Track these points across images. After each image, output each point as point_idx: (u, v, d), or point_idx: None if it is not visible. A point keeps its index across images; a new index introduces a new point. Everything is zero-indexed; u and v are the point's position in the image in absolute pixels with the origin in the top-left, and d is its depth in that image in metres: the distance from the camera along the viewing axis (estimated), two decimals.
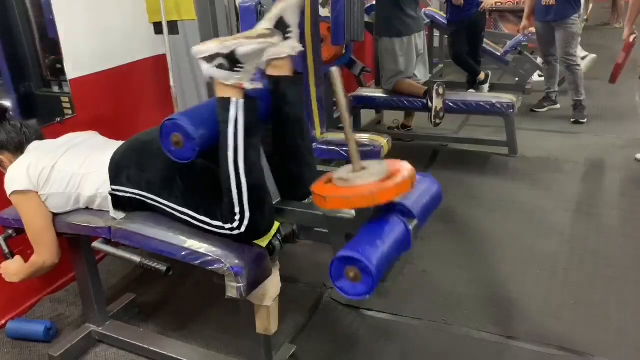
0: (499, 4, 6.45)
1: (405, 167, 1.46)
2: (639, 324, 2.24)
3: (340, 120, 1.60)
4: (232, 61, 1.52)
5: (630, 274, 2.55)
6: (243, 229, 1.61)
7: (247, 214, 1.59)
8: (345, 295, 1.38)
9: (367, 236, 1.45)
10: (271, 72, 1.78)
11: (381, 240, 1.43)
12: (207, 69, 1.55)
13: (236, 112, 1.56)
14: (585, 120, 4.71)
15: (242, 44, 1.50)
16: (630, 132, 4.35)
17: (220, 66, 1.53)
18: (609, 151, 4.07)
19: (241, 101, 1.56)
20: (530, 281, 2.55)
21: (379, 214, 1.53)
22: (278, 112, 1.79)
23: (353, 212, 1.60)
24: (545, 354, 2.11)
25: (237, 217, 1.60)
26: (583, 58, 5.14)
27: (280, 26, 1.73)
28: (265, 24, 1.71)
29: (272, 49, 1.66)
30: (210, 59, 1.53)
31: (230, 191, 1.58)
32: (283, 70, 1.78)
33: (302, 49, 1.82)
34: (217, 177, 1.65)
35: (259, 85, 1.60)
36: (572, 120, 4.76)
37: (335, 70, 1.41)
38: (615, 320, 2.27)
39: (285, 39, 1.73)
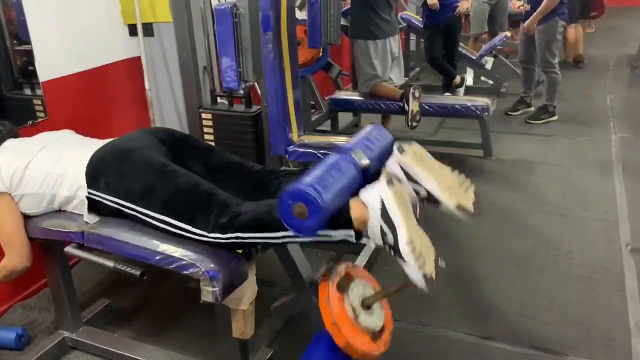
0: None
1: (389, 327, 1.64)
2: (611, 323, 2.28)
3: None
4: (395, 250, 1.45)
5: (602, 275, 2.60)
6: (230, 242, 1.61)
7: (244, 242, 1.61)
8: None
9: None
10: None
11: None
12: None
13: (337, 234, 1.53)
14: (539, 123, 4.81)
15: (409, 266, 1.41)
16: (602, 134, 4.44)
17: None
18: (582, 153, 4.15)
19: (354, 237, 1.53)
20: (506, 282, 2.58)
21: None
22: None
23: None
24: (521, 354, 2.14)
25: (232, 237, 1.60)
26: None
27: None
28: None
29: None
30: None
31: (256, 232, 1.58)
32: None
33: None
34: (199, 184, 1.66)
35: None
36: (526, 119, 4.87)
37: None
38: (588, 319, 2.30)
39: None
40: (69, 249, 1.87)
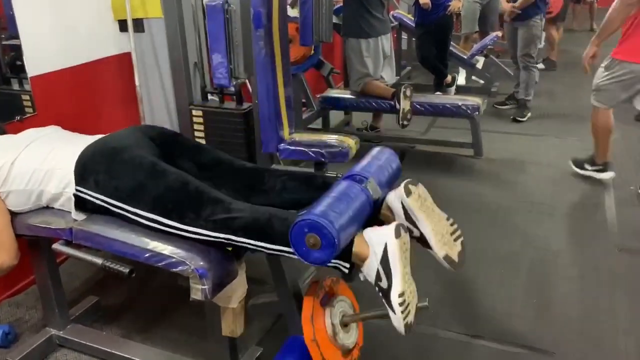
0: None
1: (359, 344, 1.71)
2: (599, 321, 2.30)
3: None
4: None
5: (591, 274, 2.62)
6: (220, 240, 1.61)
7: (236, 244, 1.60)
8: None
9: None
10: None
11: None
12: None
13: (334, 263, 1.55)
14: (524, 119, 4.91)
15: (394, 315, 1.47)
16: (590, 134, 4.47)
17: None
18: (570, 153, 4.16)
19: (346, 270, 1.57)
20: (495, 281, 2.59)
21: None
22: None
23: None
24: (509, 352, 2.15)
25: (224, 237, 1.60)
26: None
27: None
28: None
29: None
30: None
31: (252, 239, 1.58)
32: None
33: None
34: (189, 183, 1.66)
35: None
36: (511, 117, 4.92)
37: None
38: (576, 318, 2.32)
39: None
40: (56, 246, 1.85)
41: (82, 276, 2.67)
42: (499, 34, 5.50)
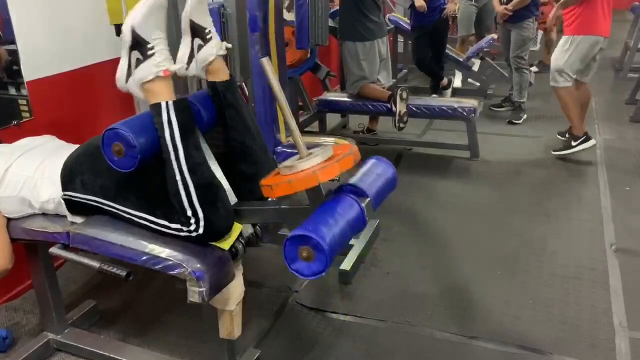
0: None
1: (349, 147, 1.56)
2: (596, 322, 2.30)
3: (299, 124, 1.64)
4: (141, 46, 1.56)
5: (587, 275, 2.63)
6: (201, 230, 1.61)
7: (200, 215, 1.60)
8: (301, 276, 1.42)
9: (318, 216, 1.48)
10: (210, 78, 1.80)
11: (333, 218, 1.47)
12: (134, 82, 1.60)
13: (168, 115, 1.58)
14: (520, 122, 4.95)
15: (133, 17, 1.54)
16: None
17: (137, 62, 1.56)
18: (566, 155, 4.19)
19: (171, 102, 1.58)
20: (492, 282, 2.60)
21: (332, 196, 1.58)
22: (222, 116, 1.81)
23: (307, 201, 1.62)
24: (506, 353, 2.15)
25: (192, 220, 1.60)
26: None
27: (197, 32, 1.74)
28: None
29: (201, 55, 1.73)
30: (129, 68, 1.60)
31: (179, 194, 1.59)
32: (219, 75, 1.79)
33: (229, 46, 1.84)
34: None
35: (180, 66, 1.67)
36: (507, 120, 4.94)
37: (265, 61, 1.53)
38: (572, 318, 2.33)
39: (207, 41, 1.74)
40: (53, 250, 1.85)
41: (80, 280, 2.67)
42: (495, 36, 5.52)
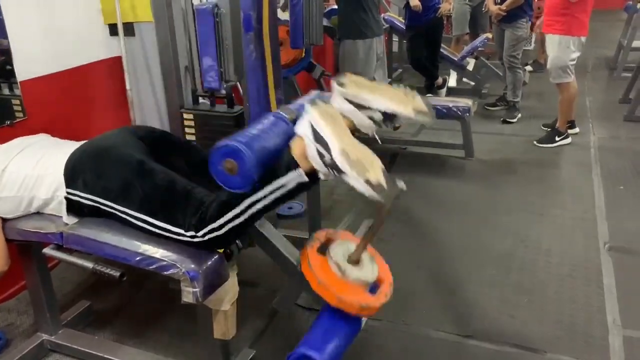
0: None
1: (388, 279, 1.62)
2: (590, 320, 2.31)
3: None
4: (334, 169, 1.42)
5: (581, 273, 2.64)
6: (206, 238, 1.60)
7: (219, 233, 1.59)
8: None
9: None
10: None
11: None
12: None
13: (288, 180, 1.50)
14: (514, 121, 4.98)
15: (348, 176, 1.36)
16: (581, 135, 4.51)
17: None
18: (561, 154, 4.21)
19: (304, 176, 1.49)
20: (487, 281, 2.60)
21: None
22: None
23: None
24: (501, 352, 2.16)
25: (206, 231, 1.59)
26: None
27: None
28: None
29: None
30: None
31: (223, 214, 1.56)
32: None
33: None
34: (177, 182, 1.65)
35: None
36: (501, 119, 4.96)
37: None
38: (567, 317, 2.34)
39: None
40: (47, 250, 1.84)
41: (74, 281, 2.66)
42: (490, 35, 5.53)
